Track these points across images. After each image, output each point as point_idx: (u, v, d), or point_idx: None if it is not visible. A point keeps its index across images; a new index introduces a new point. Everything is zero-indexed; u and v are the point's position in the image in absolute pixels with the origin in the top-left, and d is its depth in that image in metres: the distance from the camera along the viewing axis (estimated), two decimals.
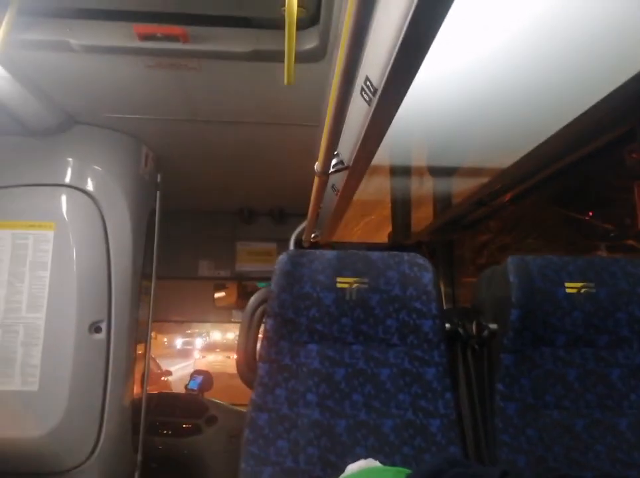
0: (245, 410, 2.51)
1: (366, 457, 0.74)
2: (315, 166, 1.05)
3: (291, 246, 1.99)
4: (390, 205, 2.09)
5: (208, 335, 17.17)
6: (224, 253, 2.66)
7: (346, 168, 1.02)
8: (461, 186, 1.59)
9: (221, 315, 2.99)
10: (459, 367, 0.87)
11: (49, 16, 1.10)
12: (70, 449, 1.45)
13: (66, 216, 1.52)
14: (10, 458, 1.39)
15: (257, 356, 0.85)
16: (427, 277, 0.86)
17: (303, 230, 1.93)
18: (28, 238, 1.49)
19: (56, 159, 1.58)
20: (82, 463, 1.45)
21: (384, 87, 0.70)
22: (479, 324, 0.88)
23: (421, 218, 1.93)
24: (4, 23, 1.00)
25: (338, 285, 0.83)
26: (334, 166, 1.02)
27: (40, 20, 1.10)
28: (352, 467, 0.74)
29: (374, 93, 0.74)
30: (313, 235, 1.82)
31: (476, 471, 0.64)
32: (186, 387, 2.49)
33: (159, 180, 1.83)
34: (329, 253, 0.88)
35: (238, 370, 0.87)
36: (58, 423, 1.41)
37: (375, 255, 0.88)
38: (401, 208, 2.04)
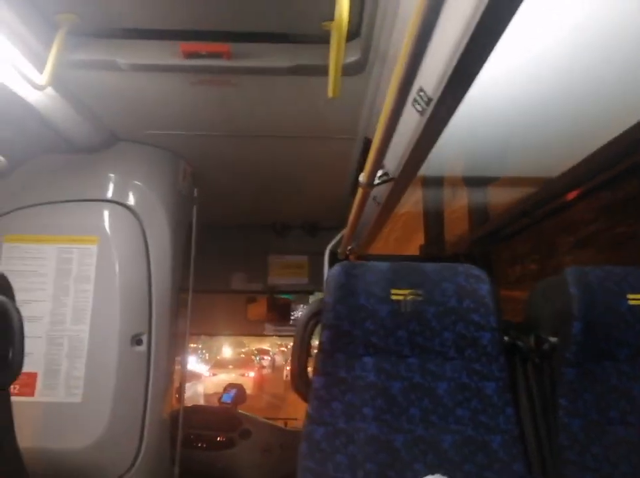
0: (277, 424, 2.49)
1: (425, 474, 0.72)
2: (360, 178, 1.05)
3: (326, 258, 1.99)
4: (421, 216, 2.07)
5: (209, 352, 15.24)
6: (257, 266, 2.68)
7: (391, 179, 1.02)
8: (499, 196, 1.57)
9: (253, 328, 3.00)
10: (518, 381, 0.85)
11: (98, 36, 1.13)
12: (111, 461, 1.46)
13: (108, 230, 1.56)
14: (53, 469, 1.41)
15: (312, 369, 0.84)
16: (485, 288, 0.85)
17: (338, 242, 1.92)
18: (72, 252, 1.53)
19: (99, 175, 1.63)
20: (123, 474, 1.46)
21: (439, 97, 0.70)
22: (538, 337, 0.86)
23: (456, 229, 1.90)
24: (55, 44, 1.04)
25: (393, 297, 0.82)
26: (379, 178, 1.02)
27: (88, 40, 1.13)
28: None
29: (427, 103, 0.74)
30: (349, 247, 1.81)
31: None
32: (219, 400, 2.50)
33: (195, 194, 1.87)
34: (382, 265, 0.87)
35: (292, 382, 0.87)
36: (100, 435, 1.42)
37: (428, 266, 0.87)
38: (434, 218, 2.01)
